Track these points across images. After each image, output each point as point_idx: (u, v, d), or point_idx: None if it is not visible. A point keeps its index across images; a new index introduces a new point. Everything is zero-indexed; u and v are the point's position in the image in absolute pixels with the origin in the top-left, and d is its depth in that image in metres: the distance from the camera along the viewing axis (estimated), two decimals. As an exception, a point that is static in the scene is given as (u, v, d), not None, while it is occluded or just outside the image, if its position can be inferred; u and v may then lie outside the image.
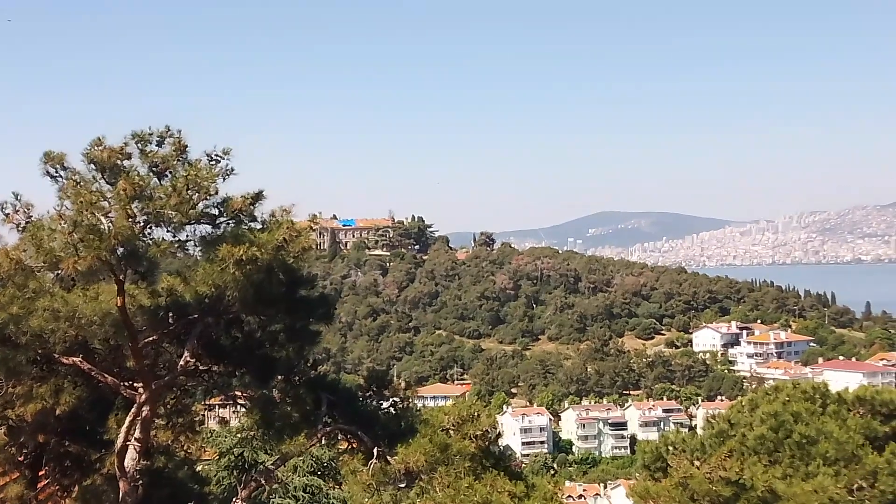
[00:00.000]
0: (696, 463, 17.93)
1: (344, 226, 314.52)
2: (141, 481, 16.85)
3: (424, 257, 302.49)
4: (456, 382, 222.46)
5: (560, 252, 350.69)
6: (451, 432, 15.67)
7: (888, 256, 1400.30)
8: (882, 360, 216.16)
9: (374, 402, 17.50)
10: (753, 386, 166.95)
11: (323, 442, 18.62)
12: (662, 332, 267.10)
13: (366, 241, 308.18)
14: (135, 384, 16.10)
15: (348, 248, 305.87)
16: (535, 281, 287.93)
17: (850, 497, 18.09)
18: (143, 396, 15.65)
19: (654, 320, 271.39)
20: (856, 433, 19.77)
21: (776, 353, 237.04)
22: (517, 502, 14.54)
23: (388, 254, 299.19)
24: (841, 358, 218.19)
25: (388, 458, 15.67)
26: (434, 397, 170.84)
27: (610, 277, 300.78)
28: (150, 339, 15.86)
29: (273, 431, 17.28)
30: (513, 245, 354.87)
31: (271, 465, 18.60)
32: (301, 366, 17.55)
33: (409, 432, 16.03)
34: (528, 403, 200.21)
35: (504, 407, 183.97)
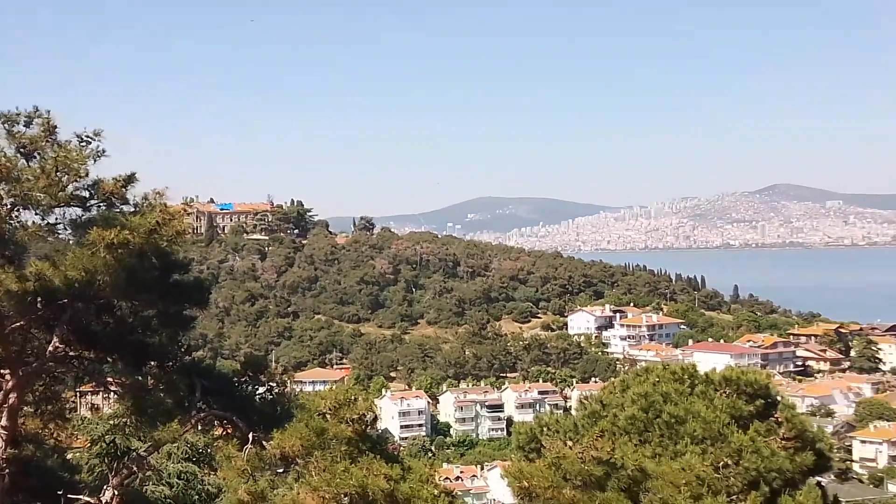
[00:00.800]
0: (569, 443, 18.24)
1: (222, 210, 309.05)
2: (8, 470, 16.41)
3: (304, 242, 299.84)
4: (335, 367, 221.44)
5: (439, 237, 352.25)
6: (328, 417, 15.63)
7: (755, 241, 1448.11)
8: (749, 341, 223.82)
9: (251, 388, 17.34)
10: (626, 368, 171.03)
11: (198, 428, 18.37)
12: (539, 315, 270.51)
13: (244, 225, 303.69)
14: (1, 371, 15.65)
15: (226, 232, 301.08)
16: (414, 266, 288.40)
17: (716, 474, 18.62)
18: (10, 383, 15.23)
19: (531, 304, 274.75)
20: (722, 413, 20.41)
21: (648, 335, 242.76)
22: (393, 485, 14.62)
23: (267, 238, 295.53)
24: (710, 340, 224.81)
25: (264, 443, 15.57)
26: (313, 382, 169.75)
27: (488, 262, 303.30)
28: (18, 324, 15.43)
29: (146, 418, 17.01)
30: (392, 230, 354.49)
31: (144, 452, 18.25)
32: (175, 351, 17.28)
33: (285, 417, 15.95)
34: (406, 387, 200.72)
35: (383, 391, 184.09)
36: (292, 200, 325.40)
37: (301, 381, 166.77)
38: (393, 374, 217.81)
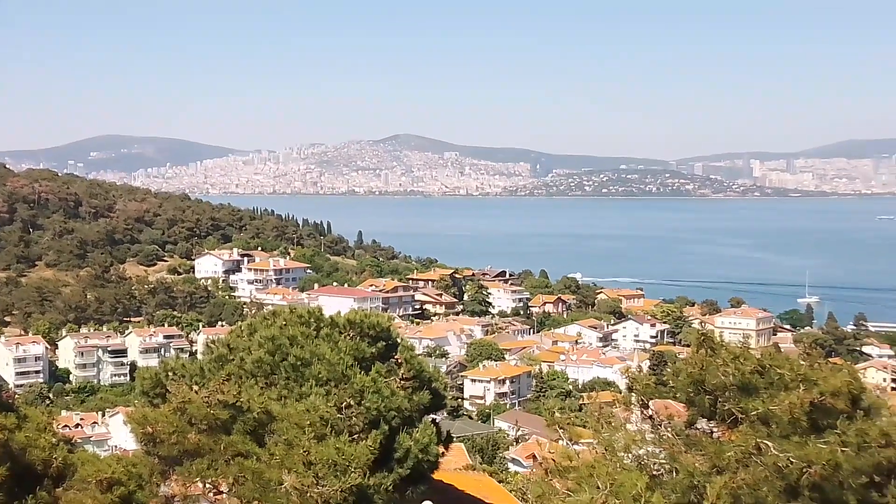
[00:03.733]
0: (195, 388, 18.13)
1: None
2: None
3: None
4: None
5: (60, 175, 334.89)
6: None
7: (379, 189, 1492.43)
8: (371, 286, 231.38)
9: None
10: (253, 311, 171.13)
11: None
12: (165, 258, 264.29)
13: None
14: None
15: None
16: (32, 205, 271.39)
17: (339, 415, 19.19)
18: None
19: (157, 247, 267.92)
20: (346, 355, 21.03)
21: (275, 279, 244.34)
22: (7, 435, 13.88)
23: None
24: (335, 284, 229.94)
25: None
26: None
27: (112, 203, 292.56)
28: None
29: None
30: (8, 166, 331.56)
31: None
32: None
33: None
34: (22, 332, 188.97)
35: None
36: None
37: None
38: (8, 319, 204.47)
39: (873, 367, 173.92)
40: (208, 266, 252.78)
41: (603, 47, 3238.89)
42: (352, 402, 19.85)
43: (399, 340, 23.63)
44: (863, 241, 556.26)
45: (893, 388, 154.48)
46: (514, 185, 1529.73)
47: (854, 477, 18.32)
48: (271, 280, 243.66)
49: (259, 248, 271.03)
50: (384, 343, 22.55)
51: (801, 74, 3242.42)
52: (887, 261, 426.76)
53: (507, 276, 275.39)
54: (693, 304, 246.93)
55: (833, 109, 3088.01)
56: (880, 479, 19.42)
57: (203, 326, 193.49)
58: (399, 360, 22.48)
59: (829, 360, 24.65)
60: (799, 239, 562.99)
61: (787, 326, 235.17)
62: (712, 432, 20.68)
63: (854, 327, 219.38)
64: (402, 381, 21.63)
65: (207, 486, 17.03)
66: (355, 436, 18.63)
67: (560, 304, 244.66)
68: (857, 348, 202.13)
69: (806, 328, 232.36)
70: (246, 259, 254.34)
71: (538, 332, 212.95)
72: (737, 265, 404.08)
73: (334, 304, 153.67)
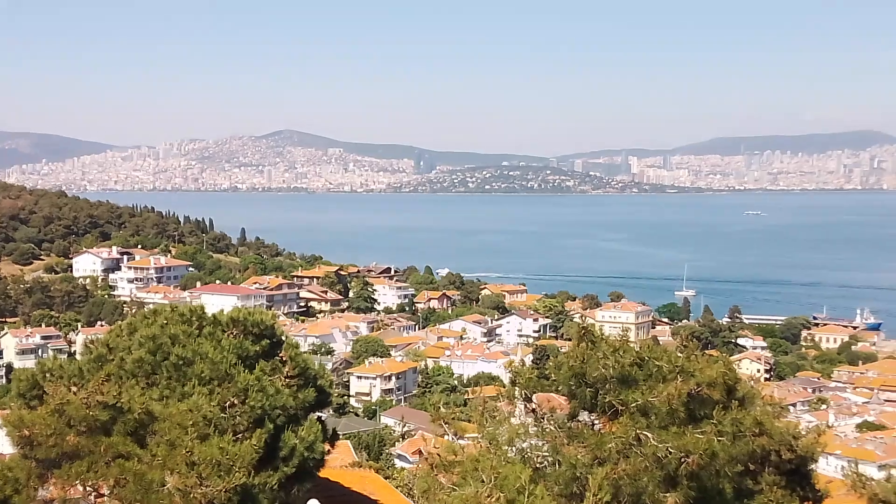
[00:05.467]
0: (74, 389, 17.76)
1: None
2: None
3: None
4: None
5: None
6: None
7: (262, 185, 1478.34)
8: (255, 283, 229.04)
9: None
10: (133, 310, 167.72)
11: None
12: (42, 257, 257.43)
13: None
14: None
15: None
16: None
17: (222, 414, 18.99)
18: None
19: (33, 245, 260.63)
20: (230, 353, 20.79)
21: (156, 277, 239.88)
22: None
23: None
24: (217, 282, 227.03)
25: None
26: None
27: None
28: None
29: None
30: None
31: None
32: None
33: None
34: None
35: None
36: None
37: None
38: None
39: (747, 358, 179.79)
40: (87, 264, 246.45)
41: (483, 46, 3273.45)
42: (235, 401, 19.65)
43: (284, 338, 23.43)
44: (733, 236, 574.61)
45: (767, 379, 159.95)
46: (398, 182, 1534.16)
47: (730, 465, 18.95)
48: (152, 278, 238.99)
49: (139, 246, 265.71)
50: (268, 341, 22.36)
51: (676, 74, 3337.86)
52: (756, 254, 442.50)
53: (393, 272, 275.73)
54: (574, 299, 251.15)
55: (707, 108, 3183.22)
56: (754, 467, 20.18)
57: (82, 326, 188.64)
58: (284, 358, 22.32)
59: (706, 351, 25.50)
60: (675, 233, 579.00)
61: (665, 319, 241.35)
62: (593, 424, 21.12)
63: (729, 319, 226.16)
64: (287, 379, 21.48)
65: (88, 488, 16.72)
66: (239, 435, 18.48)
67: (445, 299, 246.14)
68: (732, 340, 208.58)
69: (683, 321, 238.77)
70: (126, 257, 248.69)
71: (423, 327, 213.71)
72: (617, 259, 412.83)
73: (217, 302, 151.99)
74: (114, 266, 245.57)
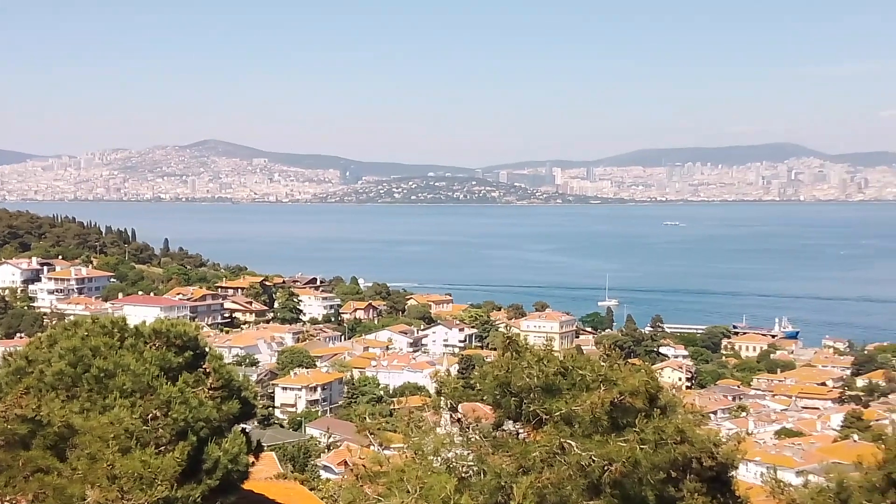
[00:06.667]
0: (-8, 403, 17.46)
1: None
2: None
3: None
4: None
5: None
6: None
7: (186, 196, 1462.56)
8: (178, 294, 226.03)
9: None
10: (53, 322, 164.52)
11: None
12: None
13: None
14: None
15: None
16: None
17: (145, 427, 18.79)
18: None
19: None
20: (152, 365, 20.59)
21: (77, 288, 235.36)
22: None
23: None
24: (140, 293, 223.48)
25: None
26: None
27: None
28: None
29: None
30: None
31: None
32: None
33: None
34: None
35: None
36: None
37: None
38: None
39: (670, 366, 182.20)
40: (5, 275, 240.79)
41: (406, 58, 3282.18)
42: (158, 414, 19.47)
43: (207, 349, 23.27)
44: (655, 246, 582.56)
45: (688, 387, 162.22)
46: (324, 192, 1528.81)
47: (652, 473, 19.23)
48: (73, 289, 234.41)
49: (60, 257, 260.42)
50: (192, 352, 22.19)
51: (598, 85, 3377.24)
52: (677, 264, 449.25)
53: (318, 282, 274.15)
54: (500, 309, 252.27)
55: (630, 120, 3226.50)
56: (676, 474, 20.47)
57: (0, 338, 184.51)
58: (207, 370, 22.16)
59: (628, 360, 25.75)
60: (598, 244, 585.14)
61: (589, 329, 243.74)
62: (518, 433, 21.29)
63: (651, 329, 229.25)
64: (211, 391, 21.34)
65: (6, 503, 16.43)
66: (162, 448, 18.31)
67: (371, 310, 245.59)
68: (655, 349, 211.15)
69: (607, 330, 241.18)
70: (46, 268, 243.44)
71: (349, 338, 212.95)
72: (541, 270, 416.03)
73: (140, 313, 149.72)
74: (34, 277, 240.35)
